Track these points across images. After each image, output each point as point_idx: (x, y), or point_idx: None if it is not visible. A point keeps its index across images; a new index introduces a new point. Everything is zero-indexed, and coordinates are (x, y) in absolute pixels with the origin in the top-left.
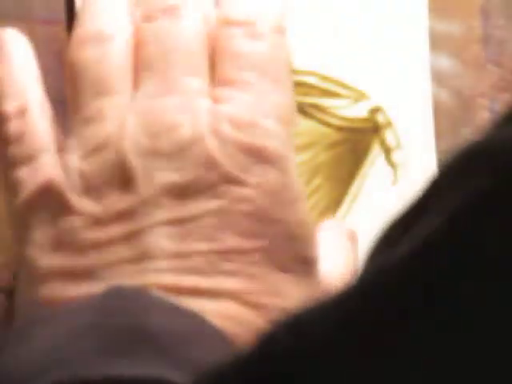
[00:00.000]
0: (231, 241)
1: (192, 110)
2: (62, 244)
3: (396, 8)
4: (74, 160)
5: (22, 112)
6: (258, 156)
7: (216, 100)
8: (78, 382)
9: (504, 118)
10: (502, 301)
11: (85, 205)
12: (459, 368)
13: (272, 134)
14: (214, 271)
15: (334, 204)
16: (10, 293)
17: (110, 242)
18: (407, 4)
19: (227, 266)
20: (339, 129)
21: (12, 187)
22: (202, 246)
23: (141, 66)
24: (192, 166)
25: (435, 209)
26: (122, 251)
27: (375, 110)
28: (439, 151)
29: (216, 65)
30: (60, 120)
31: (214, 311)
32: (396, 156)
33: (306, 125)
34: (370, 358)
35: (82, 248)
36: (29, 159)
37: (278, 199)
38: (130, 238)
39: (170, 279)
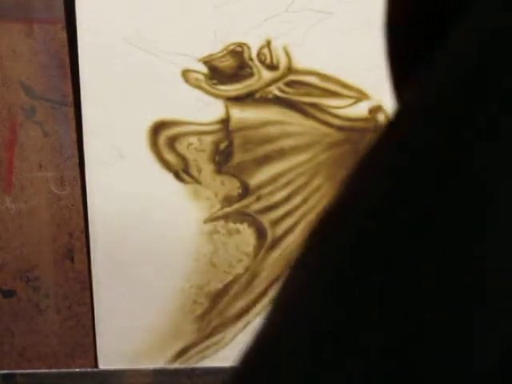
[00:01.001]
0: None
1: None
2: None
3: None
4: None
5: None
6: None
7: None
8: None
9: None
10: None
11: None
12: None
13: None
14: None
15: None
16: (10, 293)
17: None
18: None
19: None
20: (340, 129)
21: None
22: None
23: None
24: None
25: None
26: None
27: (375, 110)
28: None
29: None
30: (60, 120)
31: None
32: None
33: (306, 125)
34: None
35: None
36: None
37: None
38: None
39: None
